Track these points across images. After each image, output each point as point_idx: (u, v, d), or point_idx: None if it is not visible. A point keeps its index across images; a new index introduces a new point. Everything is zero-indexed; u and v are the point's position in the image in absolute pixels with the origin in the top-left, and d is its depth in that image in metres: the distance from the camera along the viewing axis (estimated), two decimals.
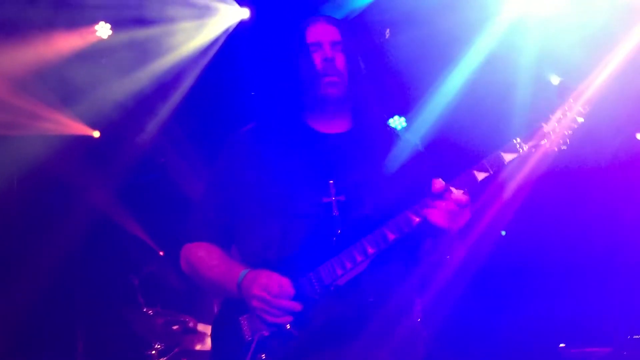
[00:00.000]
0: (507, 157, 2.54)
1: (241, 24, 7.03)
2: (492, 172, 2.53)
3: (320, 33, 2.84)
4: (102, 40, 6.85)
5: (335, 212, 2.69)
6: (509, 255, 6.64)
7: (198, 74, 7.17)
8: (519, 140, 2.55)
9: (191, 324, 5.83)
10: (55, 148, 7.24)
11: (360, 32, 3.00)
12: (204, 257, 2.82)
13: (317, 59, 2.80)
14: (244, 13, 6.96)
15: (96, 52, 6.87)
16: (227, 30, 7.04)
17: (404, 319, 2.73)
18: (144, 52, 6.85)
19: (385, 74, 6.04)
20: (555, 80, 6.44)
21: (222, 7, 6.88)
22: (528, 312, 6.44)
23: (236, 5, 6.93)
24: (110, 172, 7.48)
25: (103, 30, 6.82)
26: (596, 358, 5.12)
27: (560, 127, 2.59)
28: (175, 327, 5.78)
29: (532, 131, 2.57)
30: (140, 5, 6.55)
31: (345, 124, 2.88)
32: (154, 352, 5.74)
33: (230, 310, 2.73)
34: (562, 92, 2.65)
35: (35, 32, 6.53)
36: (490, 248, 6.35)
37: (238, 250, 2.87)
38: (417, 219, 2.53)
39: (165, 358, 5.73)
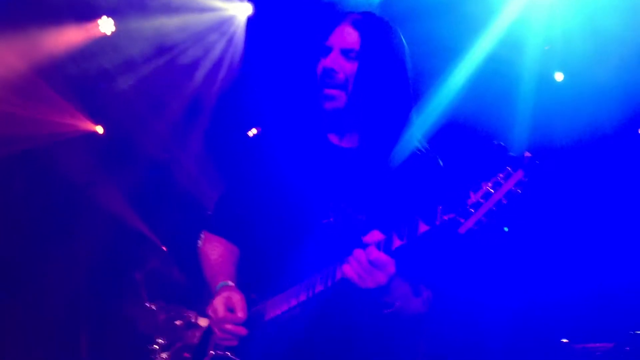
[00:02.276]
0: (422, 227, 2.16)
1: (251, 20, 6.96)
2: (404, 242, 2.20)
3: (337, 36, 2.56)
4: (106, 35, 6.83)
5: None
6: (511, 251, 6.63)
7: (207, 72, 7.15)
8: (440, 208, 2.13)
9: (194, 319, 5.83)
10: (59, 144, 7.25)
11: (388, 40, 2.54)
12: (205, 254, 2.77)
13: (321, 65, 2.55)
14: (249, 9, 6.91)
15: (101, 47, 6.87)
16: (237, 26, 7.02)
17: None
18: (151, 47, 6.83)
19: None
20: (559, 77, 6.43)
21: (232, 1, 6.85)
22: (530, 307, 6.44)
23: (246, 2, 6.88)
24: (113, 168, 7.48)
25: (106, 25, 6.81)
26: (599, 353, 5.12)
27: (488, 201, 2.08)
28: (178, 322, 5.79)
29: (455, 200, 2.11)
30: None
31: (355, 138, 2.62)
32: (156, 346, 5.75)
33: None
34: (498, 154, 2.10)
35: (39, 27, 6.54)
36: (492, 244, 6.35)
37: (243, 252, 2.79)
38: (339, 274, 2.30)
39: (167, 353, 5.74)
